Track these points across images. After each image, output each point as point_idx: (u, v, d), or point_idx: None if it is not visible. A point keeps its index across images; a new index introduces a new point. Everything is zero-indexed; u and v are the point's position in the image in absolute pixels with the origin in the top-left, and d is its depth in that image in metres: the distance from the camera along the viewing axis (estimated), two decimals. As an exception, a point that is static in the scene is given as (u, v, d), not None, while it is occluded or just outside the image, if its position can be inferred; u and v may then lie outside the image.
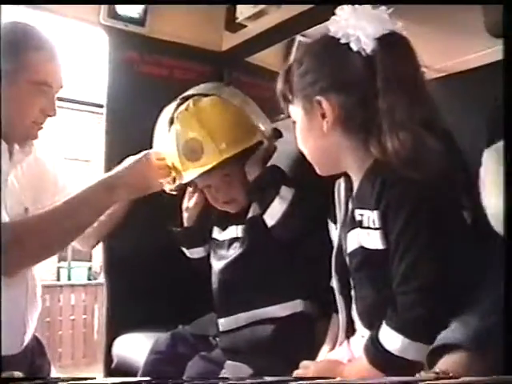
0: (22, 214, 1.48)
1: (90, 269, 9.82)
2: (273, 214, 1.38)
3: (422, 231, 0.95)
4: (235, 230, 1.51)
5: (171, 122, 1.50)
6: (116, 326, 1.91)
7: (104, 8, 1.92)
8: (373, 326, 1.04)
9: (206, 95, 1.50)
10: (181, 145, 1.44)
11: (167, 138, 1.51)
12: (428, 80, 1.08)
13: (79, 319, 5.67)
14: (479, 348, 0.80)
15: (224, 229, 1.55)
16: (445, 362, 0.82)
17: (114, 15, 1.94)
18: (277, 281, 1.42)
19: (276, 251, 1.42)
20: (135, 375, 1.53)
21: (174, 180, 1.52)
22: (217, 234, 1.58)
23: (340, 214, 1.18)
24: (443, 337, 0.85)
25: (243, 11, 2.04)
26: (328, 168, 1.16)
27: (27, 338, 1.53)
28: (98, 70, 2.15)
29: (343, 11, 1.08)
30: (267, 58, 2.31)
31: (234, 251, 1.48)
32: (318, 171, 1.16)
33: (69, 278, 9.54)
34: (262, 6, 1.94)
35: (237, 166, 1.44)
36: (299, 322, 1.40)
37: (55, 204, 1.47)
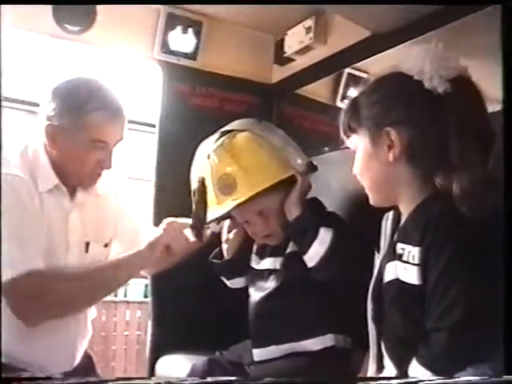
0: (82, 252, 1.56)
1: (146, 286, 9.94)
2: (312, 257, 1.40)
3: (465, 271, 0.97)
4: (273, 262, 1.53)
5: (208, 157, 1.54)
6: (159, 345, 1.99)
7: (158, 43, 2.03)
8: (399, 360, 1.06)
9: (241, 131, 1.54)
10: (216, 179, 1.48)
11: (204, 172, 1.54)
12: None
13: (133, 335, 5.79)
14: None
15: (261, 258, 1.59)
16: None
17: (167, 50, 2.04)
18: (311, 315, 1.45)
19: (314, 287, 1.45)
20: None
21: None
22: (254, 263, 1.62)
23: (384, 245, 1.20)
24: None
25: (291, 45, 2.10)
26: (383, 198, 1.18)
27: (77, 360, 1.62)
28: (151, 98, 2.26)
29: (417, 51, 1.12)
30: (316, 90, 2.37)
31: (271, 284, 1.51)
32: (371, 201, 1.19)
33: (125, 295, 9.70)
34: (308, 42, 2.00)
35: (272, 202, 1.47)
36: (331, 355, 1.42)
37: (88, 267, 1.53)
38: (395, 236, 1.15)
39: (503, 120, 0.73)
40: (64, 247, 1.53)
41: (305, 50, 2.07)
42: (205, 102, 2.16)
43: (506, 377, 0.76)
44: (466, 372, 0.88)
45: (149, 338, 2.04)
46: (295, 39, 2.07)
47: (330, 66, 2.09)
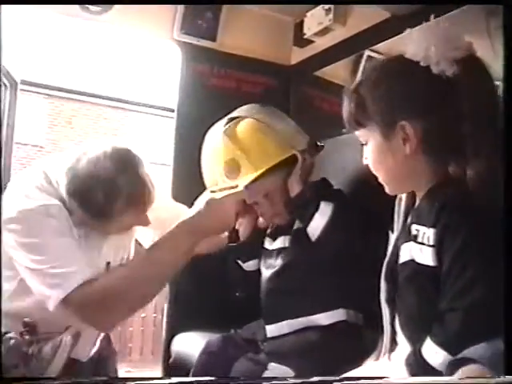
0: (103, 270, 1.49)
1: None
2: (315, 229, 1.46)
3: (480, 253, 0.97)
4: (283, 241, 1.58)
5: (214, 144, 1.61)
6: (175, 324, 2.01)
7: (177, 24, 2.03)
8: (413, 338, 1.07)
9: (244, 117, 1.60)
10: (221, 165, 1.57)
11: (211, 159, 1.63)
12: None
13: (149, 317, 5.87)
14: (493, 367, 0.84)
15: (274, 239, 1.63)
16: (462, 373, 0.86)
17: (187, 31, 2.05)
18: (321, 290, 1.48)
19: (320, 262, 1.48)
20: (188, 371, 1.61)
21: None
22: (268, 244, 1.66)
23: (398, 226, 1.20)
24: (469, 351, 0.89)
25: (310, 27, 2.09)
26: (399, 188, 1.18)
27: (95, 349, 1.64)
28: (170, 78, 2.27)
29: (419, 34, 1.08)
30: (335, 72, 2.36)
31: (280, 261, 1.56)
32: (387, 190, 1.18)
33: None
34: (327, 23, 1.99)
35: (275, 182, 1.54)
36: (343, 330, 1.45)
37: (138, 257, 1.52)
38: (409, 217, 1.14)
39: (503, 120, 0.72)
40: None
41: (324, 31, 2.05)
42: (223, 83, 2.17)
43: (506, 377, 0.77)
44: (479, 347, 0.89)
45: (165, 319, 2.07)
46: (315, 21, 2.06)
47: (349, 48, 2.08)
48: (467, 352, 0.89)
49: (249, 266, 1.72)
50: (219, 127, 1.62)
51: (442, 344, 0.97)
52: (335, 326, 1.46)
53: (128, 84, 9.99)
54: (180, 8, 2.04)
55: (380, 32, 1.89)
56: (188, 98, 2.10)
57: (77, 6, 1.89)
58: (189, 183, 1.97)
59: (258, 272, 1.68)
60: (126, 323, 5.74)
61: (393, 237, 1.21)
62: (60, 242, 1.36)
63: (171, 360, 1.93)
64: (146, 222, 1.51)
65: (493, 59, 1.09)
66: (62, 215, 1.39)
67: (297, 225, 1.54)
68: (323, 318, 1.47)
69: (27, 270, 1.35)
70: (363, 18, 1.93)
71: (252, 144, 1.55)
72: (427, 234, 1.03)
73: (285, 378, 1.31)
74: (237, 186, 1.54)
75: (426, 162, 1.09)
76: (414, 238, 1.06)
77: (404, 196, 1.20)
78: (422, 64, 1.05)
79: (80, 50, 10.89)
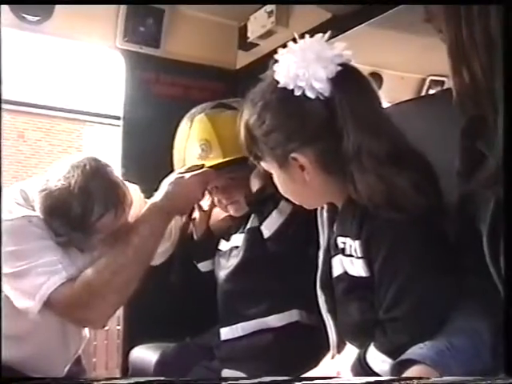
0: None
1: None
2: (269, 226, 1.48)
3: (406, 260, 0.97)
4: (235, 239, 1.58)
5: (190, 124, 1.62)
6: (132, 337, 1.99)
7: (119, 32, 2.00)
8: (358, 344, 1.08)
9: (230, 108, 1.59)
10: (195, 145, 1.57)
11: (185, 138, 1.62)
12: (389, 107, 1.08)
13: (113, 330, 5.77)
14: (437, 366, 0.85)
15: (228, 240, 1.63)
16: (409, 374, 0.87)
17: (129, 39, 2.02)
18: (273, 291, 1.48)
19: (272, 262, 1.48)
20: (146, 384, 1.59)
21: None
22: (222, 245, 1.66)
23: (323, 238, 1.19)
24: (412, 352, 0.90)
25: (254, 30, 2.09)
26: (314, 205, 1.19)
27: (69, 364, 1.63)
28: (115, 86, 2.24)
29: (285, 60, 1.02)
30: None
31: (233, 260, 1.55)
32: (305, 207, 1.18)
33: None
34: (270, 26, 1.99)
35: (242, 172, 1.52)
36: (296, 331, 1.45)
37: (119, 246, 1.49)
38: (334, 229, 1.13)
39: (503, 120, 0.73)
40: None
41: (268, 34, 2.05)
42: (169, 90, 2.15)
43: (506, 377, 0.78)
44: (421, 346, 0.90)
45: (121, 331, 2.04)
46: (257, 24, 2.06)
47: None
48: (409, 353, 0.90)
49: (203, 266, 1.71)
50: (202, 109, 1.62)
51: (387, 352, 0.98)
52: (288, 328, 1.46)
53: (78, 94, 9.89)
54: (121, 16, 2.01)
55: (322, 32, 1.90)
56: (134, 106, 2.07)
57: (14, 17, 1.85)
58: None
59: (213, 273, 1.67)
60: (90, 337, 5.64)
61: (320, 250, 1.19)
62: (43, 244, 1.41)
63: (129, 373, 1.90)
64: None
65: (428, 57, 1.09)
66: (43, 225, 1.42)
67: (250, 224, 1.54)
68: (276, 320, 1.47)
69: (11, 280, 1.37)
70: (305, 19, 1.94)
71: (229, 132, 1.49)
72: (353, 246, 1.02)
73: (237, 379, 1.29)
74: (203, 166, 1.54)
75: (329, 181, 1.07)
76: (342, 251, 1.06)
77: (325, 206, 1.18)
78: (295, 92, 1.01)
79: (26, 62, 10.70)
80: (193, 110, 1.66)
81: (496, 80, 0.77)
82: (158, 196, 1.53)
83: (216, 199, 1.63)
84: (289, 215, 1.45)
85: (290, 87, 1.01)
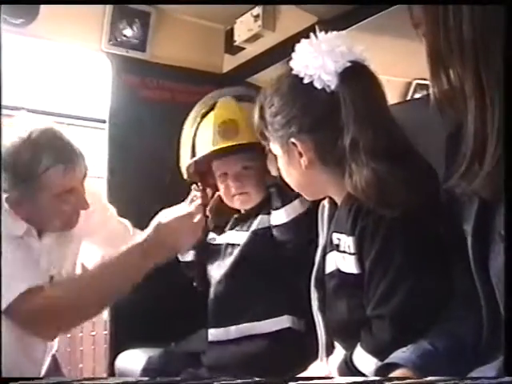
0: (46, 283, 1.45)
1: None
2: (288, 213, 1.44)
3: (397, 258, 0.98)
4: (235, 237, 1.56)
5: (205, 114, 1.60)
6: (118, 343, 1.96)
7: (105, 35, 1.99)
8: (346, 344, 1.08)
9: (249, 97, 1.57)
10: (217, 124, 1.53)
11: (195, 125, 1.60)
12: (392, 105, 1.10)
13: (100, 335, 5.73)
14: (419, 369, 0.85)
15: (220, 233, 1.60)
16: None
17: (115, 42, 2.01)
18: (266, 296, 1.47)
19: (270, 265, 1.47)
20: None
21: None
22: (211, 239, 1.63)
23: (322, 235, 1.21)
24: (395, 356, 0.90)
25: (241, 34, 2.09)
26: (313, 195, 1.22)
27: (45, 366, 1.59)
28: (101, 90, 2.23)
29: (301, 48, 1.09)
30: (267, 78, 2.35)
31: (231, 259, 1.53)
32: (305, 197, 1.23)
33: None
34: (257, 29, 1.99)
35: (259, 161, 1.50)
36: (287, 337, 1.44)
37: (89, 270, 1.47)
38: (331, 226, 1.15)
39: (503, 120, 0.73)
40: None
41: (254, 37, 2.05)
42: (156, 94, 2.13)
43: (506, 377, 0.78)
44: (404, 350, 0.90)
45: (108, 336, 2.02)
46: (244, 27, 2.06)
47: (279, 54, 2.08)
48: (392, 357, 0.90)
49: (184, 256, 1.67)
50: (224, 93, 1.63)
51: (372, 351, 0.98)
52: (279, 333, 1.44)
53: (63, 97, 9.86)
54: (107, 19, 2.00)
55: (309, 36, 1.91)
56: (120, 109, 2.05)
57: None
58: (124, 195, 1.95)
59: (192, 265, 1.65)
60: (76, 342, 5.59)
61: (319, 246, 1.21)
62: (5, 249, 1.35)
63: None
64: (83, 204, 1.48)
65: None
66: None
67: (256, 225, 1.52)
68: (267, 325, 1.46)
69: None
70: (291, 22, 1.94)
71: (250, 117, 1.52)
72: (347, 242, 1.04)
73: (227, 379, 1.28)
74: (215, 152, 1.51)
75: (326, 172, 1.10)
76: (337, 247, 1.08)
77: (326, 203, 1.21)
78: (305, 80, 1.06)
79: (10, 64, 10.62)
80: (210, 95, 1.66)
81: (466, 84, 0.77)
82: (141, 238, 1.46)
83: (223, 187, 1.58)
84: (308, 209, 1.41)
85: (301, 75, 1.07)
